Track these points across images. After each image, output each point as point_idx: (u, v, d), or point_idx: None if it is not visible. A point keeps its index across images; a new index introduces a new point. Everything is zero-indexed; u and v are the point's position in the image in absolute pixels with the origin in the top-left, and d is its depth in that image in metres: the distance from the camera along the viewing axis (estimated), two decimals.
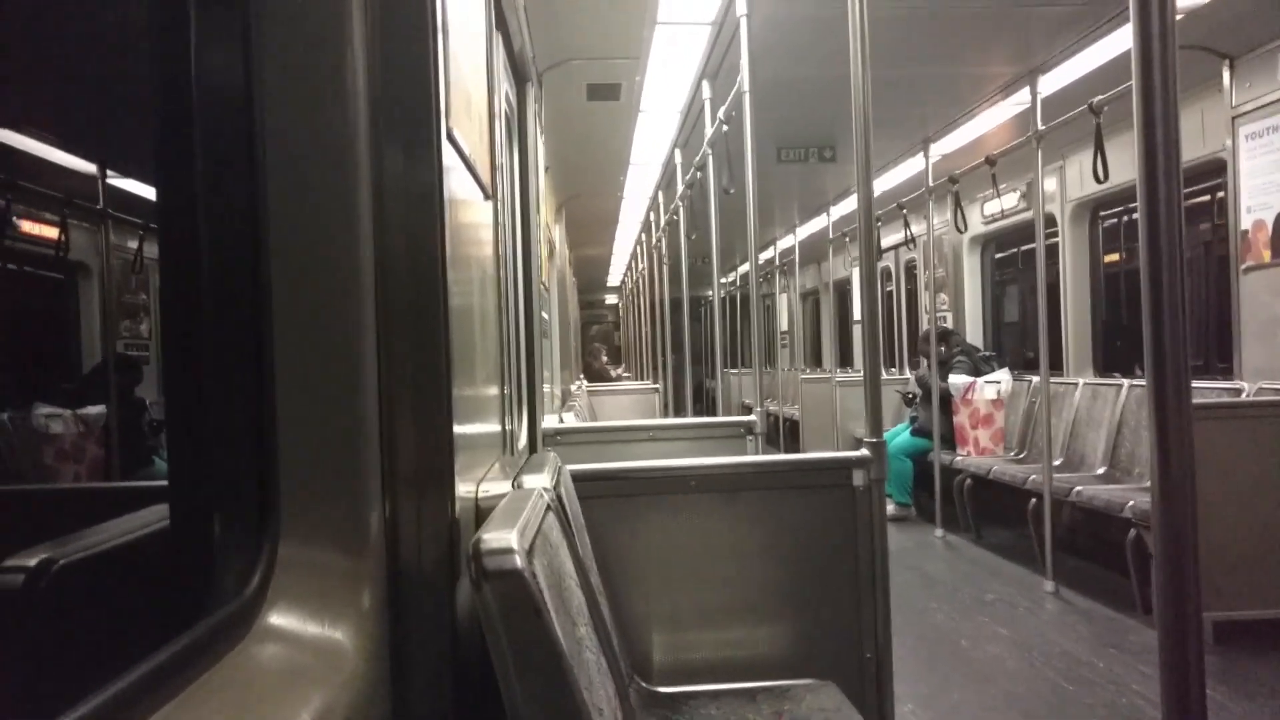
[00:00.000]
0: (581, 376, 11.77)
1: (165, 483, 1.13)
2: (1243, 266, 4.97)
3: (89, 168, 4.18)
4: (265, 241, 1.08)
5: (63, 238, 4.17)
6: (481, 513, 1.46)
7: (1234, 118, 4.94)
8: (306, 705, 0.92)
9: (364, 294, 1.14)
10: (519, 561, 1.08)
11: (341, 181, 1.12)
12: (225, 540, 1.07)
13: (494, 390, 1.95)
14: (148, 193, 4.71)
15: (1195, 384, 5.22)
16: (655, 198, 8.51)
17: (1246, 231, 4.93)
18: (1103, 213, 6.72)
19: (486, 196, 1.83)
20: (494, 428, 1.93)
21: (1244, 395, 4.78)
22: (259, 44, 1.07)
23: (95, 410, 4.30)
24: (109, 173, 4.33)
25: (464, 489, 1.37)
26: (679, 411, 10.13)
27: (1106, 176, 4.45)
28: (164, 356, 1.23)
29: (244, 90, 1.07)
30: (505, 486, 1.65)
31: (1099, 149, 4.49)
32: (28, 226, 4.22)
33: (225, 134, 1.09)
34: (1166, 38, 1.18)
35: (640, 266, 11.73)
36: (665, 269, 8.68)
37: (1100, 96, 4.45)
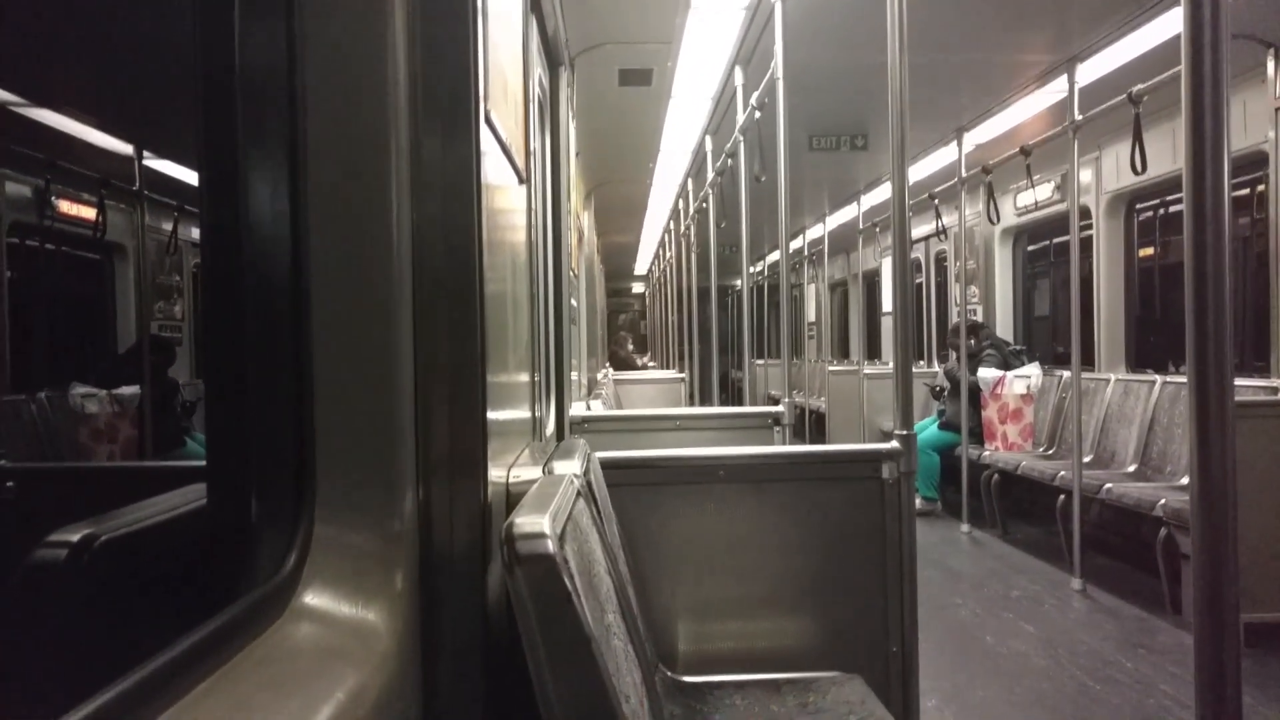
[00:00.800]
0: (608, 364, 11.78)
1: (203, 463, 1.14)
2: None
3: (126, 149, 4.23)
4: (304, 224, 1.08)
5: (100, 219, 4.22)
6: (513, 498, 1.46)
7: (1277, 109, 4.84)
8: (341, 684, 0.93)
9: (401, 277, 1.14)
10: (551, 546, 1.08)
11: (380, 164, 1.12)
12: (262, 521, 1.08)
13: (525, 377, 1.95)
14: (182, 174, 4.75)
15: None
16: (685, 185, 8.48)
17: None
18: (1139, 205, 6.62)
19: (521, 181, 1.83)
20: (524, 414, 1.93)
21: None
22: (301, 26, 1.07)
23: (130, 390, 4.36)
24: (145, 154, 4.38)
25: (495, 474, 1.38)
26: (705, 401, 10.12)
27: (1145, 168, 4.38)
28: (204, 339, 1.24)
29: (285, 73, 1.07)
30: (536, 472, 1.66)
31: (1138, 140, 4.41)
32: (66, 207, 4.28)
33: (266, 116, 1.09)
34: (1219, 23, 1.16)
35: (668, 254, 11.71)
36: (693, 257, 8.66)
37: (1140, 85, 4.38)
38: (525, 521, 1.12)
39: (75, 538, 1.04)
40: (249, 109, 1.07)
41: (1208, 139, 1.18)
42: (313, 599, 1.02)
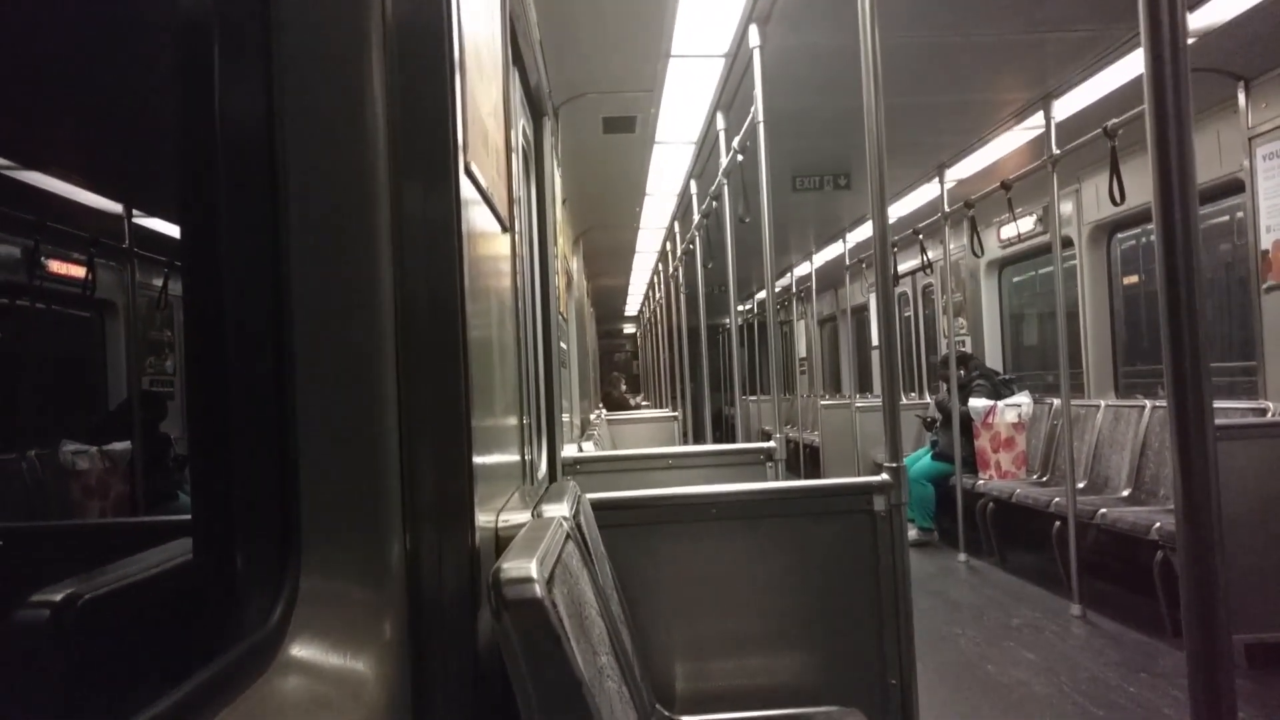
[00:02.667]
0: (601, 405, 11.78)
1: (189, 517, 1.14)
2: (1264, 286, 4.93)
3: (115, 207, 4.26)
4: (287, 275, 1.09)
5: (90, 276, 4.24)
6: (501, 542, 1.46)
7: (1251, 138, 4.92)
8: None
9: (384, 327, 1.15)
10: (538, 590, 1.08)
11: (361, 216, 1.14)
12: (247, 573, 1.08)
13: (513, 421, 1.96)
14: (172, 231, 4.78)
15: (1221, 404, 5.17)
16: (671, 228, 8.56)
17: (1267, 251, 4.89)
18: (1120, 234, 6.70)
19: (504, 229, 1.85)
20: (513, 458, 1.94)
21: (1269, 415, 4.73)
22: (280, 82, 1.09)
23: (121, 446, 4.34)
24: (134, 212, 4.40)
25: (484, 519, 1.38)
26: (698, 439, 10.10)
27: (1123, 199, 4.45)
28: (187, 390, 1.25)
29: (265, 127, 1.09)
30: (525, 516, 1.66)
31: (1115, 171, 4.48)
32: (56, 266, 4.30)
33: (247, 171, 1.11)
34: (1178, 61, 1.19)
35: (657, 296, 11.76)
36: (682, 298, 8.71)
37: (1115, 120, 4.45)
38: (512, 566, 1.12)
39: (58, 598, 1.03)
40: (229, 165, 1.09)
41: (1174, 171, 1.21)
42: (300, 651, 1.01)
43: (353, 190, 1.14)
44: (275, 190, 1.10)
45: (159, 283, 4.94)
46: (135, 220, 4.38)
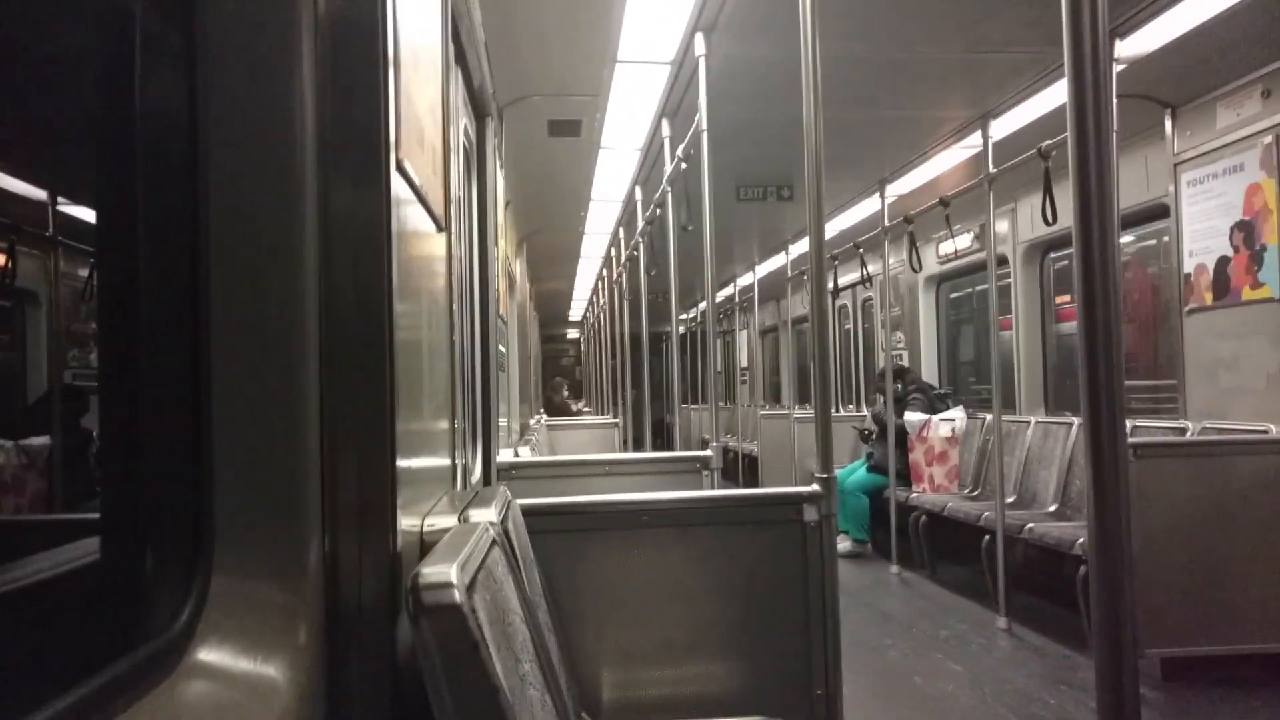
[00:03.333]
0: (542, 411, 11.72)
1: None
2: (1186, 309, 5.10)
3: (39, 194, 4.12)
4: (206, 270, 1.07)
5: (9, 265, 4.10)
6: (426, 547, 1.44)
7: (1176, 164, 5.09)
8: None
9: (307, 324, 1.13)
10: (457, 596, 1.07)
11: (286, 210, 1.12)
12: (156, 573, 1.05)
13: (443, 423, 1.94)
14: None
15: (1142, 423, 5.32)
16: (616, 234, 8.56)
17: (1189, 275, 5.06)
18: (1053, 254, 6.87)
19: (440, 229, 1.83)
20: (443, 461, 1.91)
21: (1188, 435, 4.88)
22: (205, 71, 1.07)
23: (39, 441, 4.19)
24: (59, 199, 4.27)
25: (408, 523, 1.36)
26: (638, 447, 10.11)
27: (1055, 219, 4.56)
28: (100, 386, 1.21)
29: (188, 117, 1.07)
30: (452, 520, 1.64)
31: (1048, 192, 4.60)
32: None
33: (167, 161, 1.08)
34: (1100, 84, 1.22)
35: (601, 302, 11.76)
36: (626, 304, 8.71)
37: (1049, 141, 4.57)
38: (431, 571, 1.10)
39: None
40: (148, 154, 1.06)
41: (1094, 193, 1.24)
42: (208, 655, 0.99)
43: (278, 183, 1.11)
44: (196, 182, 1.07)
45: (85, 273, 4.80)
46: (61, 209, 4.25)
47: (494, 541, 1.48)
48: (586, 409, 14.99)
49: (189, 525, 1.05)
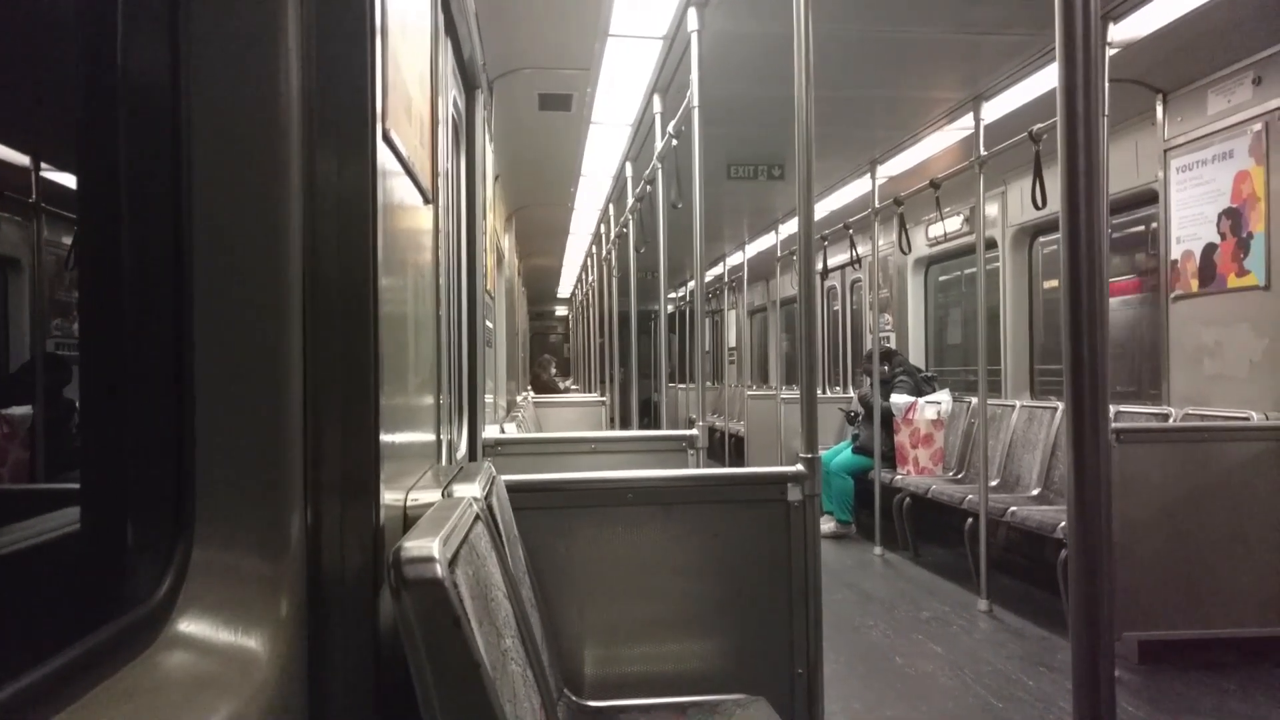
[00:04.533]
0: (529, 387, 11.72)
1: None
2: (1172, 295, 5.12)
3: (21, 159, 4.07)
4: (189, 238, 1.06)
5: None
6: (409, 521, 1.44)
7: (1166, 150, 5.09)
8: (214, 715, 0.90)
9: (290, 295, 1.12)
10: (439, 570, 1.07)
11: (270, 179, 1.10)
12: (137, 543, 1.04)
13: (429, 398, 1.93)
14: None
15: (1125, 409, 5.35)
16: (606, 210, 8.53)
17: (1176, 261, 5.08)
18: (1042, 238, 6.88)
19: (427, 201, 1.81)
20: (428, 436, 1.91)
21: (1171, 421, 4.92)
22: (188, 39, 1.05)
23: (21, 410, 4.16)
24: (43, 165, 4.21)
25: (392, 497, 1.35)
26: (625, 425, 10.13)
27: (1045, 203, 4.57)
28: (81, 355, 1.20)
29: (171, 84, 1.05)
30: (436, 495, 1.64)
31: (1038, 176, 4.60)
32: None
33: (150, 130, 1.07)
34: (1091, 70, 1.22)
35: (590, 279, 11.73)
36: (614, 282, 8.70)
37: (1040, 125, 4.57)
38: (414, 545, 1.10)
39: None
40: (131, 121, 1.04)
41: (1081, 176, 1.24)
42: (188, 625, 0.98)
43: (262, 152, 1.10)
44: (179, 151, 1.05)
45: (69, 241, 4.76)
46: (44, 174, 4.20)
47: (477, 517, 1.48)
48: (574, 387, 15.00)
49: (170, 496, 1.05)
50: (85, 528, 1.08)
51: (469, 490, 1.66)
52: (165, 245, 1.06)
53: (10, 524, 1.12)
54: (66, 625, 0.94)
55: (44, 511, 1.17)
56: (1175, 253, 5.09)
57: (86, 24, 1.08)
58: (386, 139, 1.30)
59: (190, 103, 1.05)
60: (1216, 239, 4.81)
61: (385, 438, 1.27)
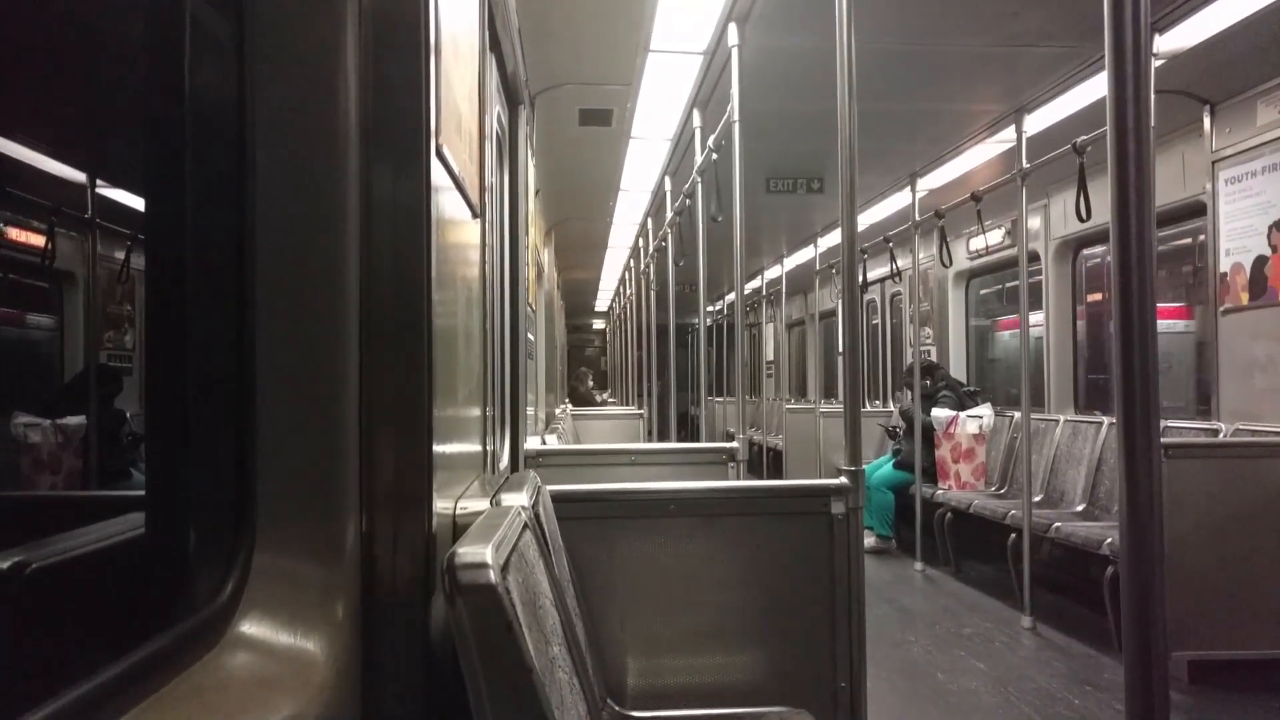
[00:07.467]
0: (567, 400, 11.76)
1: (142, 492, 1.13)
2: (1221, 308, 5.03)
3: (78, 176, 4.17)
4: (251, 254, 1.09)
5: (49, 246, 4.15)
6: (459, 529, 1.46)
7: (1214, 162, 5.02)
8: (275, 714, 0.93)
9: (348, 309, 1.15)
10: (493, 576, 1.08)
11: (329, 196, 1.13)
12: (200, 549, 1.07)
13: (476, 410, 1.96)
14: (135, 203, 4.68)
15: (1174, 424, 5.26)
16: (644, 224, 8.56)
17: (1225, 274, 5.00)
18: (1085, 251, 6.80)
19: (475, 216, 1.84)
20: (475, 447, 1.94)
21: (1221, 436, 4.83)
22: (251, 59, 1.09)
23: (75, 420, 4.25)
24: (98, 182, 4.32)
25: (442, 505, 1.38)
26: (663, 438, 10.12)
27: (1089, 215, 4.52)
28: (147, 366, 1.24)
29: (235, 105, 1.09)
30: (483, 504, 1.66)
31: (1082, 188, 4.55)
32: (15, 234, 4.20)
33: (214, 148, 1.10)
34: (1140, 79, 1.21)
35: (628, 292, 11.77)
36: (653, 295, 8.72)
37: (1084, 136, 4.52)
38: (467, 551, 1.12)
39: (5, 565, 1.02)
40: (196, 141, 1.08)
41: (1132, 189, 1.23)
42: (250, 628, 1.01)
43: (321, 170, 1.13)
44: (242, 169, 1.09)
45: (121, 255, 4.86)
46: (99, 191, 4.30)
47: (525, 525, 1.50)
48: (611, 399, 15.02)
49: (232, 503, 1.08)
50: (150, 532, 1.11)
51: (517, 499, 1.68)
52: (228, 260, 1.10)
53: (82, 527, 1.16)
54: (137, 625, 0.97)
55: (112, 516, 1.21)
56: (1224, 265, 5.00)
57: (155, 47, 1.12)
58: (439, 155, 1.33)
59: (253, 122, 1.09)
60: (1267, 251, 4.72)
61: (437, 448, 1.30)
